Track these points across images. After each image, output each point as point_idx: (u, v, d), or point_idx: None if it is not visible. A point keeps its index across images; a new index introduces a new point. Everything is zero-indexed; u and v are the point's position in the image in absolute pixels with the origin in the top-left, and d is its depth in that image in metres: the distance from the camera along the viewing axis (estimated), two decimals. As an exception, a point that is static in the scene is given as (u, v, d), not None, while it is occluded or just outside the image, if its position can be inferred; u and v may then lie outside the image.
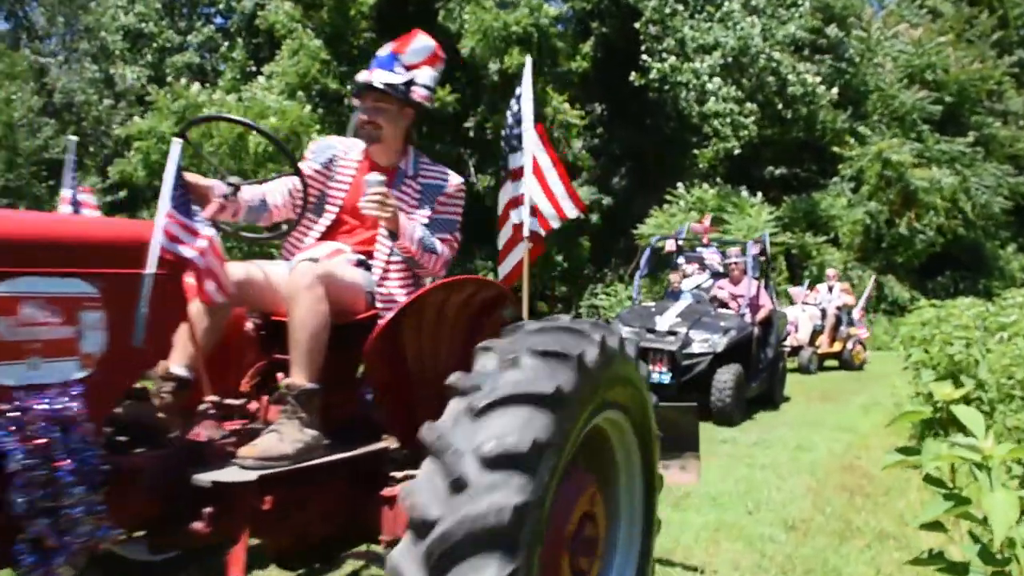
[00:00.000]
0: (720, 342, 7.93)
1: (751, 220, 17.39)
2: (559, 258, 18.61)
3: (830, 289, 14.30)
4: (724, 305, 9.30)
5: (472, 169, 18.23)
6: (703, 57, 19.24)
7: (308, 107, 16.61)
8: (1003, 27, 32.59)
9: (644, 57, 19.60)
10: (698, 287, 9.83)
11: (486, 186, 17.77)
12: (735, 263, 9.61)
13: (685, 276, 10.32)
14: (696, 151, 23.33)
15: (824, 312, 13.48)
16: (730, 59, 19.08)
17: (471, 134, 17.96)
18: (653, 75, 19.48)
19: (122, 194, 19.66)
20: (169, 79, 19.03)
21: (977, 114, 25.65)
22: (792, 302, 13.95)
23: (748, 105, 19.26)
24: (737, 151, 19.44)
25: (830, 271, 15.38)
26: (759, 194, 19.20)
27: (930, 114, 23.59)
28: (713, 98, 18.94)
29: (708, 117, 19.30)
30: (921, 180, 21.13)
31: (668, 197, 18.54)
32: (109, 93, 23.71)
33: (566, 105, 18.41)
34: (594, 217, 19.48)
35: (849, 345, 13.64)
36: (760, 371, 8.81)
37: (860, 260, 21.21)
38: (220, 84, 18.62)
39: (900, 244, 21.08)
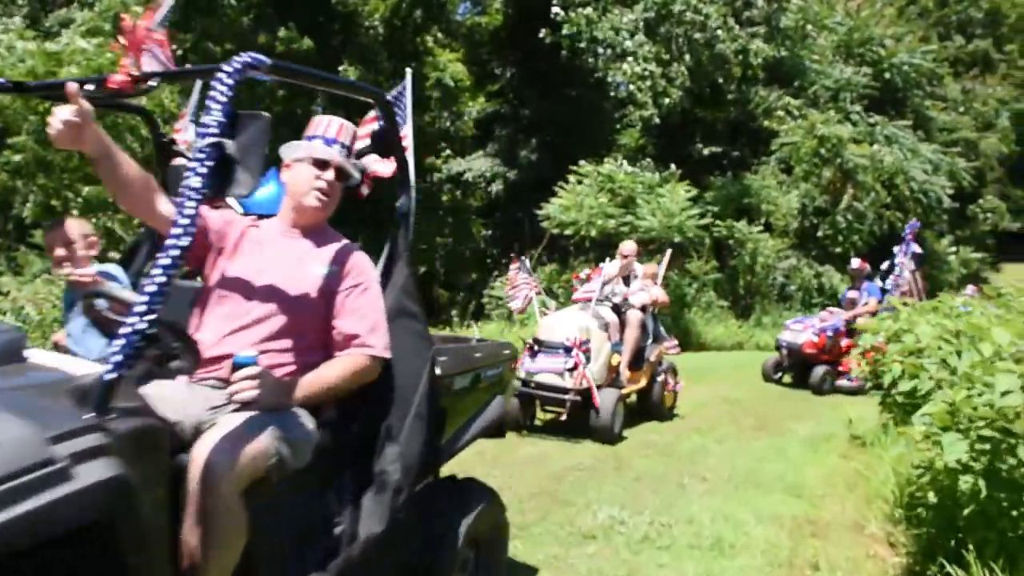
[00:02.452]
0: None
1: (666, 201, 14.66)
2: (448, 239, 15.71)
3: (627, 280, 7.34)
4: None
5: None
6: (622, 11, 16.57)
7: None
8: (943, 5, 31.12)
9: (556, 10, 16.84)
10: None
11: (357, 151, 14.78)
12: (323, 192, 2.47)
13: None
14: (618, 125, 20.78)
15: (621, 316, 7.02)
16: (653, 13, 16.43)
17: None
18: (565, 30, 16.76)
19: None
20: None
21: (916, 97, 23.78)
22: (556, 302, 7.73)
23: (675, 66, 16.63)
24: (656, 120, 16.79)
25: (625, 245, 7.37)
26: (672, 166, 16.42)
27: (866, 89, 21.55)
28: (631, 58, 16.24)
29: (627, 81, 16.63)
30: (860, 157, 19.04)
31: (572, 175, 15.65)
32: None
33: (458, 65, 15.56)
34: (495, 188, 16.58)
35: (660, 376, 7.36)
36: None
37: (796, 248, 18.98)
38: (12, 26, 15.20)
39: (838, 233, 18.88)
